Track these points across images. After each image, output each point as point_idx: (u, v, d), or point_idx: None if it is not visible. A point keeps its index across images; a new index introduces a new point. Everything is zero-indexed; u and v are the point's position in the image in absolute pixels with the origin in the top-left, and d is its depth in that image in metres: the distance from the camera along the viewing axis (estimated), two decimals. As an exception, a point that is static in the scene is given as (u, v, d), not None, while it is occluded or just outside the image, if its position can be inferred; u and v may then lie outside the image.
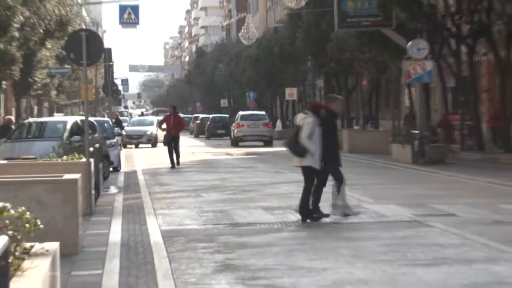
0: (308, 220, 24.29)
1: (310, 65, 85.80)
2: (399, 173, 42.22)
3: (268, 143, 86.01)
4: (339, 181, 24.84)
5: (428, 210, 27.74)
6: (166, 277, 16.53)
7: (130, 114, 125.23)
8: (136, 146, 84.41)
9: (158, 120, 71.80)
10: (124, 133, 76.77)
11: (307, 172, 24.40)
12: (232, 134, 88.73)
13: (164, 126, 53.37)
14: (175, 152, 49.81)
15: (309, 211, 24.46)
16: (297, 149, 24.19)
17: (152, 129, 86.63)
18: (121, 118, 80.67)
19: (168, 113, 55.71)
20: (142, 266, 17.89)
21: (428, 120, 55.20)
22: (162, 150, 56.86)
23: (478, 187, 33.87)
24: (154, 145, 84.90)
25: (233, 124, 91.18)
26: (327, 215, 24.65)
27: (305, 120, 24.02)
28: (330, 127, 24.89)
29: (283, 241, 21.28)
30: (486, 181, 36.41)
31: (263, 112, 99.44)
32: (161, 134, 67.55)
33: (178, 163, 50.02)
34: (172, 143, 50.76)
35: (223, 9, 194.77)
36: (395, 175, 41.41)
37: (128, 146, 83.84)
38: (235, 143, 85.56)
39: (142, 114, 72.65)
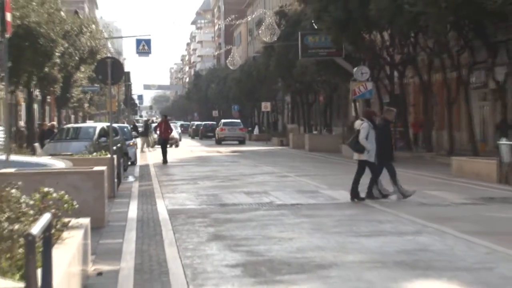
0: (355, 200, 24.78)
1: (280, 85, 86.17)
2: (347, 167, 42.19)
3: (242, 142, 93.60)
4: (392, 173, 25.42)
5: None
6: (171, 244, 17.21)
7: None
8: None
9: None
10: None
11: (362, 164, 25.26)
12: (216, 135, 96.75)
13: (157, 131, 51.33)
14: (164, 153, 48.54)
15: (356, 193, 24.92)
16: (357, 147, 25.02)
17: (175, 133, 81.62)
18: (137, 124, 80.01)
19: (160, 120, 53.70)
20: (153, 236, 18.43)
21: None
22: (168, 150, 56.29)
23: (408, 177, 33.85)
24: (176, 144, 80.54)
25: (217, 128, 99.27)
26: (374, 198, 24.74)
27: (361, 125, 24.93)
28: (385, 131, 25.70)
29: (259, 217, 21.79)
30: (414, 173, 36.83)
31: (239, 120, 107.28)
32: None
33: (165, 161, 49.57)
34: (163, 144, 48.84)
35: (215, 43, 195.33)
36: (344, 168, 41.48)
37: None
38: (219, 142, 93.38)
39: (147, 121, 70.49)
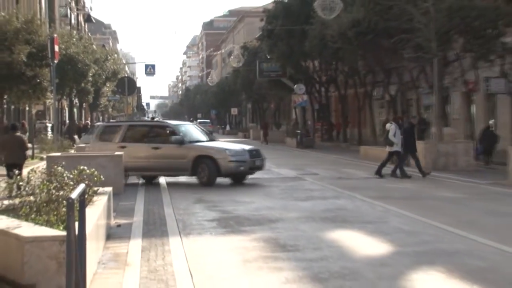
0: (377, 176, 24.12)
1: (244, 97, 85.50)
2: (289, 153, 42.19)
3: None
4: (417, 159, 24.95)
5: (304, 172, 28.14)
6: (168, 205, 17.31)
7: None
8: None
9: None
10: None
11: (391, 154, 24.76)
12: None
13: None
14: None
15: (380, 172, 24.38)
16: (388, 142, 24.58)
17: None
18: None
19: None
20: (156, 200, 18.63)
21: (305, 125, 55.06)
22: None
23: (330, 160, 33.93)
24: None
25: None
26: (396, 177, 23.93)
27: (390, 126, 24.72)
28: (410, 131, 25.04)
29: (230, 188, 21.52)
30: (335, 157, 37.10)
31: (209, 120, 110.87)
32: None
33: None
34: None
35: (199, 67, 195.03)
36: (287, 154, 41.53)
37: None
38: None
39: (153, 118, 66.49)
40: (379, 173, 24.43)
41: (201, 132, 25.01)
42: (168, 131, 23.36)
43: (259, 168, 23.00)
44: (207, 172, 21.74)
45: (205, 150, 22.34)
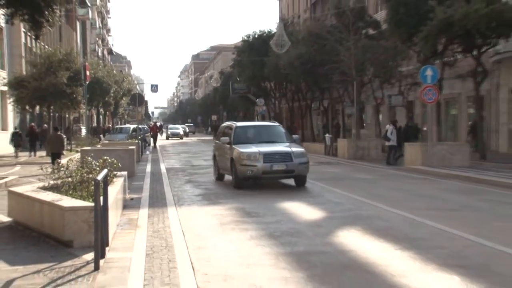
0: (389, 165, 22.99)
1: (221, 107, 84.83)
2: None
3: (186, 135, 73.10)
4: (396, 152, 23.78)
5: None
6: (167, 184, 17.28)
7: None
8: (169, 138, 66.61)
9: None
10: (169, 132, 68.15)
11: (391, 148, 23.64)
12: (166, 133, 70.70)
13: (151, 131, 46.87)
14: (154, 142, 43.73)
15: (389, 161, 23.42)
16: (386, 138, 23.94)
17: (180, 131, 68.54)
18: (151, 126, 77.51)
19: (153, 125, 48.84)
20: (158, 180, 18.67)
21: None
22: (172, 140, 54.26)
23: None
24: (181, 138, 65.80)
25: None
26: (390, 164, 23.03)
27: (388, 127, 24.08)
28: (411, 131, 24.66)
29: (209, 171, 20.59)
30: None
31: (192, 124, 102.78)
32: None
33: (155, 146, 42.86)
34: (154, 136, 44.55)
35: (189, 86, 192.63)
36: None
37: (170, 138, 65.97)
38: (168, 137, 66.27)
39: (155, 124, 59.88)
40: (388, 163, 23.55)
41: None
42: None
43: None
44: None
45: None
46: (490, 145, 27.72)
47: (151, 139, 44.74)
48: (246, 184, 15.97)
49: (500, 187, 15.28)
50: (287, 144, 16.29)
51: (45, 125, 35.47)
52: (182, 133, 67.23)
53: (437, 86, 23.12)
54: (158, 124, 64.61)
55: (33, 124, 35.26)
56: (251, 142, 16.08)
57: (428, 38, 22.19)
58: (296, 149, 15.81)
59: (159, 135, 57.42)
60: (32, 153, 30.97)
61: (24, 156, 30.72)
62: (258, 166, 15.01)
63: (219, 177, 17.70)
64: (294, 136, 20.63)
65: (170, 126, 78.64)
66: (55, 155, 20.30)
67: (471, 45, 22.58)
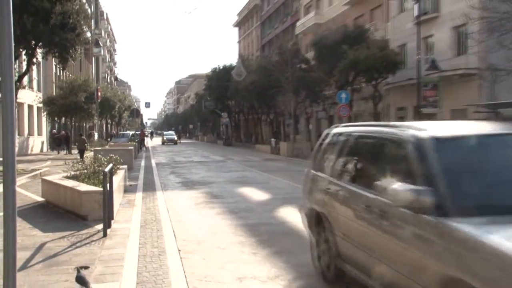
0: None
1: (196, 119, 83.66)
2: (218, 148, 41.62)
3: (175, 143, 55.40)
4: None
5: (226, 157, 27.16)
6: (156, 175, 16.92)
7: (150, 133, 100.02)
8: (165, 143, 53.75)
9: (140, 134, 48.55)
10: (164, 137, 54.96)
11: None
12: (162, 138, 55.52)
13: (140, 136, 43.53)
14: (143, 145, 38.46)
15: None
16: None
17: (175, 137, 54.67)
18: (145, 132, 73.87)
19: (141, 131, 42.83)
20: (150, 172, 18.13)
21: (227, 133, 54.08)
22: (166, 144, 51.23)
23: (240, 152, 33.61)
24: (175, 143, 52.79)
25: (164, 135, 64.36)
26: None
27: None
28: None
29: (188, 166, 21.01)
30: (242, 150, 36.34)
31: (174, 132, 78.21)
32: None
33: (145, 148, 37.95)
34: (142, 142, 40.63)
35: (173, 103, 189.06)
36: (217, 148, 40.77)
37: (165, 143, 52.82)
38: (163, 142, 52.49)
39: (142, 131, 46.60)
40: None
41: None
42: None
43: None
44: None
45: None
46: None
47: (146, 142, 43.47)
48: (211, 175, 16.11)
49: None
50: None
51: (63, 131, 35.47)
52: (176, 138, 56.32)
53: (349, 105, 23.78)
54: (149, 131, 62.94)
55: (65, 130, 35.40)
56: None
57: (342, 71, 23.06)
58: None
59: (149, 139, 56.01)
60: (67, 151, 30.92)
61: (55, 154, 30.16)
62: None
63: (330, 275, 4.64)
64: None
65: (166, 132, 64.96)
66: (81, 152, 23.15)
67: (371, 77, 23.41)
